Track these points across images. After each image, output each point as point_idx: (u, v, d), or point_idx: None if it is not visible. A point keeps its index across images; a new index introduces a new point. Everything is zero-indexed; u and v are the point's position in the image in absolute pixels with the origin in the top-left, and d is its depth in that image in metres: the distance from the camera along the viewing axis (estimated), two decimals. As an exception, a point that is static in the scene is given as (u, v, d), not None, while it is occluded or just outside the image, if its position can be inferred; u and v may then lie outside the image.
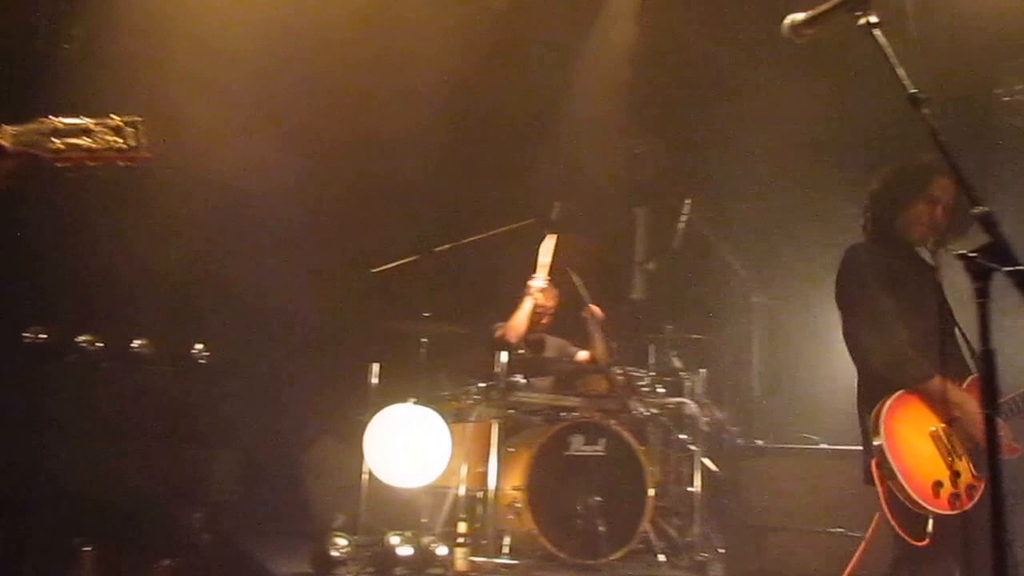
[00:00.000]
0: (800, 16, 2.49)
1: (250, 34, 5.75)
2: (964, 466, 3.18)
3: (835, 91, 6.11)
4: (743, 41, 6.30)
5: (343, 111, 6.20)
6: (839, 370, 6.46)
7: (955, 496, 3.14)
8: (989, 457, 2.06)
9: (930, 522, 3.13)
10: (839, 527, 4.95)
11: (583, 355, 6.34)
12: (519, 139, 6.90)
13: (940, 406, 3.22)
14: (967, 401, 3.21)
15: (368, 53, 6.08)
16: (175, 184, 5.46)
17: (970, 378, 3.31)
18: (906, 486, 3.13)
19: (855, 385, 6.28)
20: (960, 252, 2.11)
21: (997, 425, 2.06)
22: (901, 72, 2.26)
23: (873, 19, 2.33)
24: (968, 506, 3.12)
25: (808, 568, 4.99)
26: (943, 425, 3.22)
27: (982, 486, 3.15)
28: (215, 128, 5.51)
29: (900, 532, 3.16)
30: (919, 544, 3.13)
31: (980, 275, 2.09)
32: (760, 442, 5.87)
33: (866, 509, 5.04)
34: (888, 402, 3.27)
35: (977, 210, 2.12)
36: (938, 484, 3.15)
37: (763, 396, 6.47)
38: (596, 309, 6.15)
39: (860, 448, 5.24)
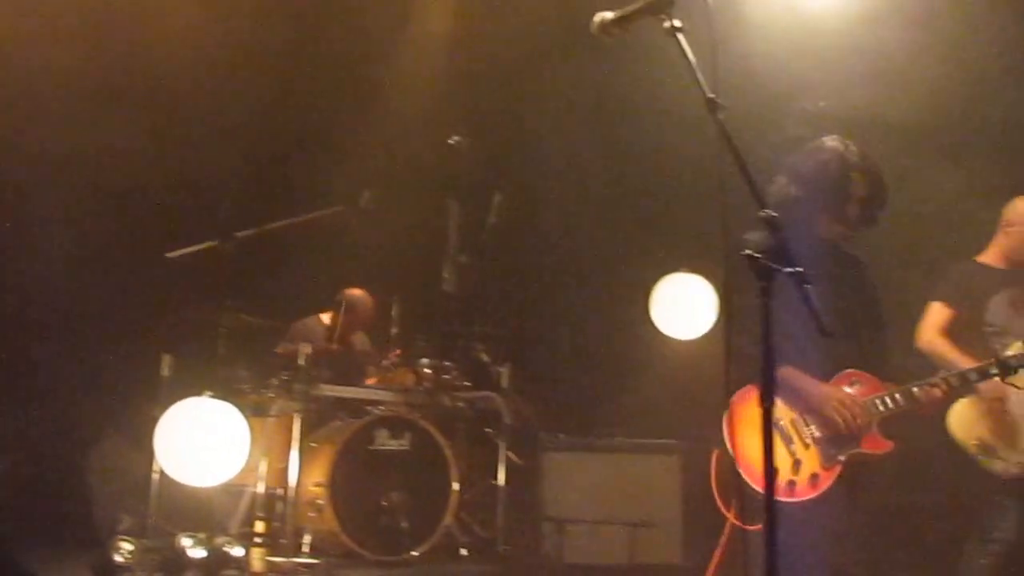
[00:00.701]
0: (609, 15, 2.54)
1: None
2: (809, 455, 3.23)
3: (642, 89, 6.26)
4: (553, 37, 6.38)
5: (137, 80, 5.81)
6: (642, 365, 6.75)
7: (791, 483, 3.20)
8: (764, 450, 2.14)
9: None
10: (637, 519, 5.12)
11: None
12: (330, 124, 6.70)
13: (791, 397, 3.26)
14: (818, 393, 3.25)
15: (171, 23, 5.72)
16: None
17: (845, 372, 3.32)
18: (740, 470, 3.19)
19: (657, 379, 6.54)
20: (746, 252, 2.20)
21: (772, 418, 2.16)
22: (700, 77, 2.32)
23: (677, 23, 2.39)
24: (813, 495, 3.19)
25: (606, 558, 5.13)
26: (793, 415, 3.27)
27: (831, 476, 3.21)
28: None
29: (732, 519, 3.23)
30: (750, 529, 3.21)
31: (764, 275, 2.19)
32: (563, 436, 5.96)
33: (665, 501, 5.29)
34: (737, 395, 3.28)
35: (762, 213, 2.22)
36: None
37: (567, 390, 6.60)
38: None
39: (662, 441, 5.47)
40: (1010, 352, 3.23)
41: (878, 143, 5.34)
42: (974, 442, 4.20)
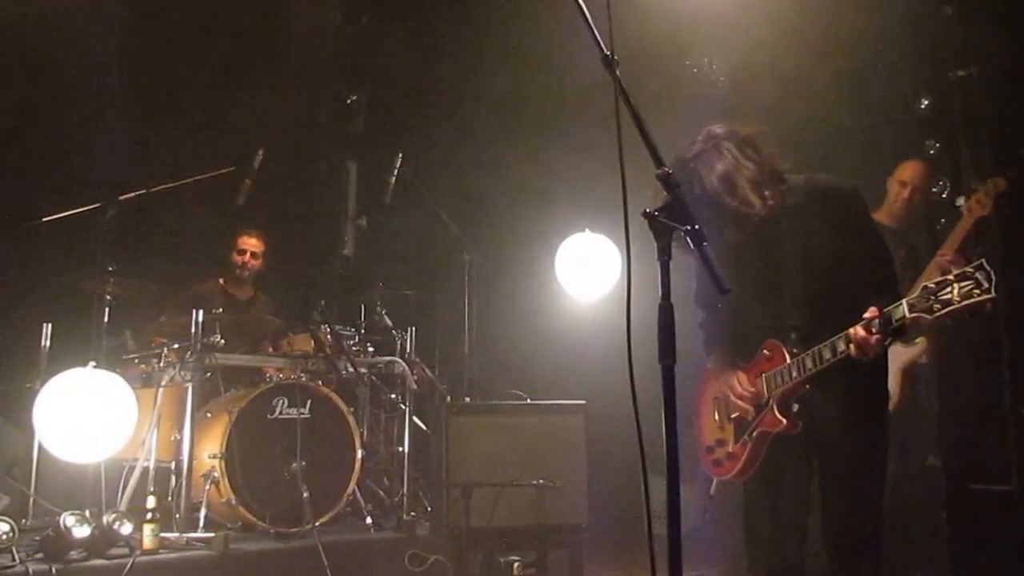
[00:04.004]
0: None
1: None
2: (727, 434, 3.27)
3: (544, 46, 6.15)
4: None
5: (12, 41, 5.42)
6: (546, 328, 6.70)
7: (717, 461, 3.31)
8: (666, 405, 2.08)
9: (713, 482, 3.34)
10: (540, 479, 5.06)
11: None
12: (220, 80, 6.37)
13: (717, 380, 3.32)
14: (726, 377, 3.22)
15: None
16: None
17: (766, 343, 3.14)
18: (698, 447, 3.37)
19: (562, 340, 6.47)
20: (644, 211, 2.17)
21: (674, 376, 2.10)
22: (596, 33, 2.29)
23: None
24: (733, 472, 3.21)
25: (510, 521, 5.06)
26: (721, 396, 3.29)
27: (742, 455, 3.17)
28: None
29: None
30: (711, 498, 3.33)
31: (661, 233, 2.16)
32: (468, 399, 5.88)
33: (571, 462, 5.24)
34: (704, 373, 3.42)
35: (660, 171, 2.18)
36: (708, 449, 3.35)
37: (472, 353, 6.50)
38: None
39: (568, 402, 5.39)
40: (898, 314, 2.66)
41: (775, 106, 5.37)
42: None
